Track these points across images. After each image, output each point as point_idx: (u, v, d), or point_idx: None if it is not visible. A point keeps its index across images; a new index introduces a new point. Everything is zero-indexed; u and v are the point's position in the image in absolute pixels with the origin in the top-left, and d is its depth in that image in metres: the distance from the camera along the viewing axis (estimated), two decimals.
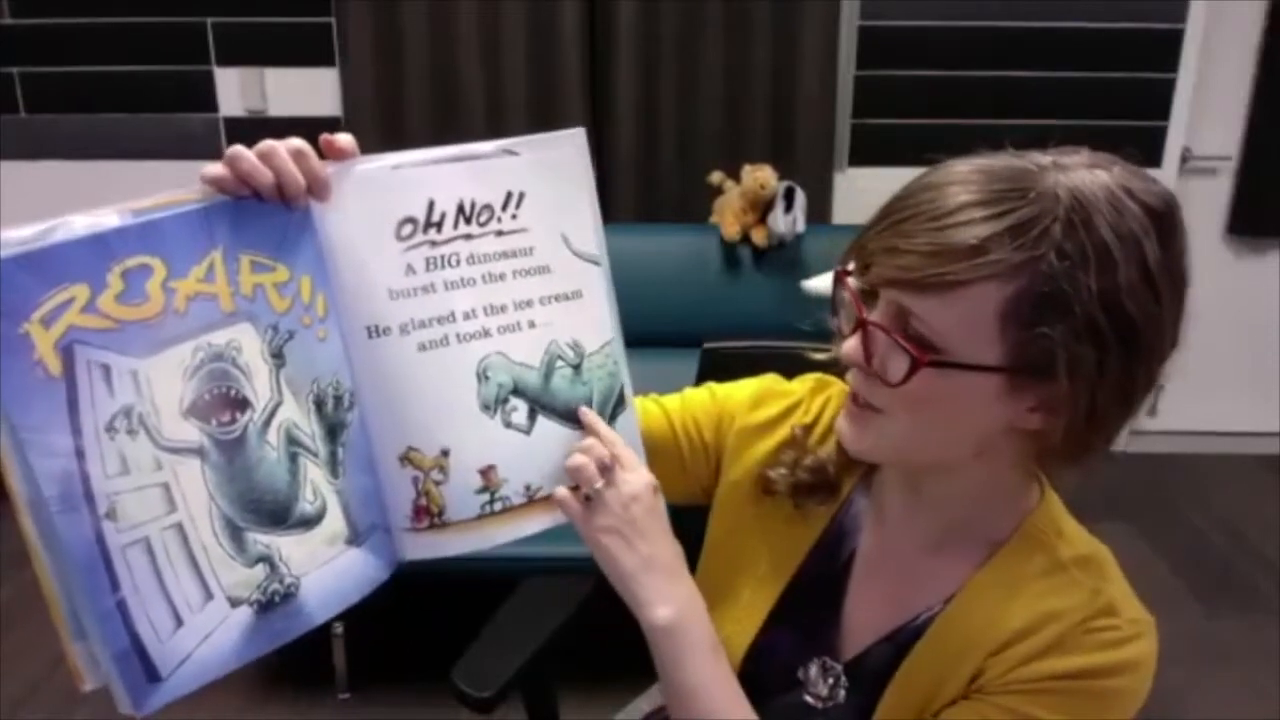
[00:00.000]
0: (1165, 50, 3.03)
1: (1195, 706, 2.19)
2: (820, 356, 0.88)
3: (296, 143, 0.71)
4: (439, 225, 0.76)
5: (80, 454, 0.60)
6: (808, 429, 0.93)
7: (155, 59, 3.05)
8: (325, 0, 2.97)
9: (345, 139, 0.74)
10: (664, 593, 0.78)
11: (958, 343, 0.70)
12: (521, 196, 0.78)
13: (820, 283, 2.29)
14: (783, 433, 0.93)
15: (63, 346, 0.59)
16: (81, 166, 3.11)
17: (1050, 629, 0.77)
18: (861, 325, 0.75)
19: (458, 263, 0.76)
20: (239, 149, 0.68)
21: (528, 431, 0.80)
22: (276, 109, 3.08)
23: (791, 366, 0.98)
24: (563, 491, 0.79)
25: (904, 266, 0.70)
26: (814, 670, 0.88)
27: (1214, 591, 2.63)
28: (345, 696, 2.20)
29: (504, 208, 0.78)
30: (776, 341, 1.18)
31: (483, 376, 0.78)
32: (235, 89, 3.07)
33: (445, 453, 0.77)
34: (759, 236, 2.75)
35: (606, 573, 0.79)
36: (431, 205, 0.76)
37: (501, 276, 0.78)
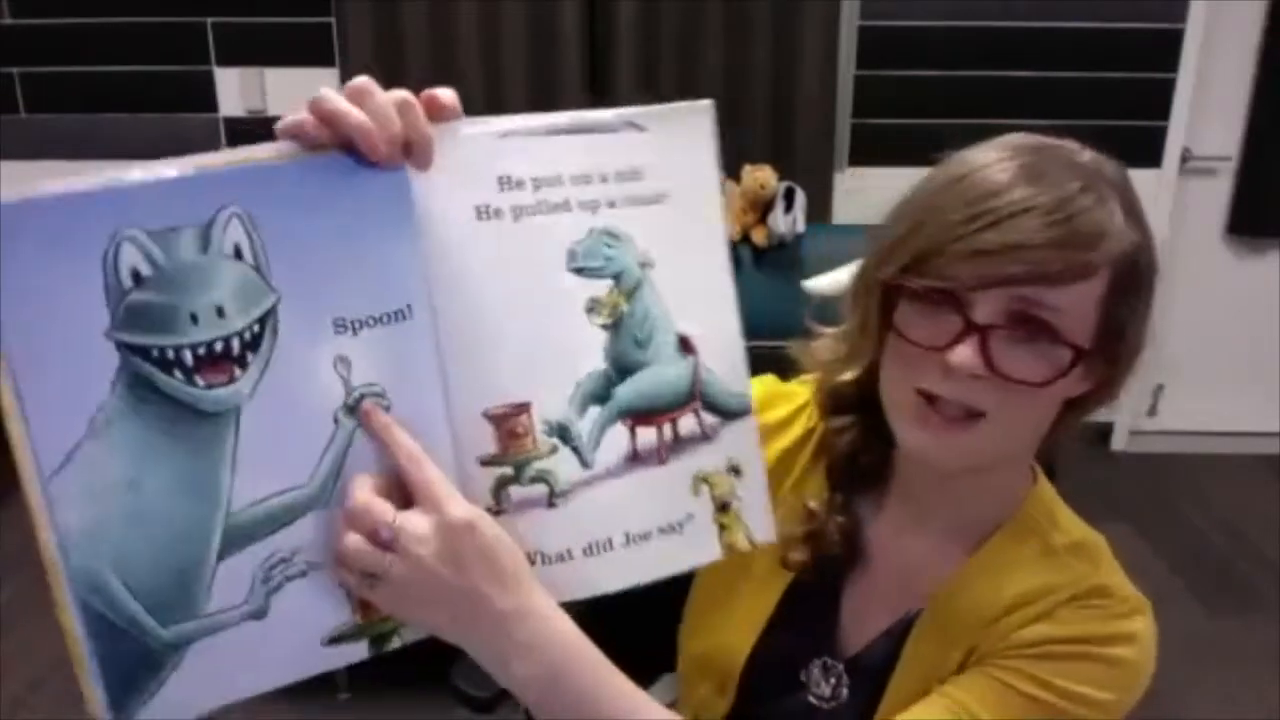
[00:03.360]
0: (1165, 50, 3.03)
1: (1195, 706, 2.19)
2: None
3: (401, 93, 0.58)
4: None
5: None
6: (813, 476, 0.89)
7: (155, 59, 3.05)
8: (325, 0, 2.97)
9: (449, 95, 0.61)
10: (518, 645, 0.62)
11: (1072, 326, 0.71)
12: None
13: (822, 283, 2.29)
14: (792, 434, 0.92)
15: None
16: (81, 167, 3.07)
17: (1043, 601, 0.78)
18: (976, 330, 0.70)
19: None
20: (325, 89, 0.57)
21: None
22: (276, 109, 3.07)
23: (792, 367, 0.98)
24: (345, 579, 0.61)
25: (1036, 260, 0.69)
26: (816, 671, 0.88)
27: (1214, 591, 2.63)
28: (345, 696, 2.20)
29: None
30: (775, 341, 1.18)
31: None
32: (235, 89, 3.07)
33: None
34: (759, 236, 2.75)
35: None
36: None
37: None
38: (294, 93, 3.04)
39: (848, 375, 0.84)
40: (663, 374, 0.69)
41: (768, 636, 0.89)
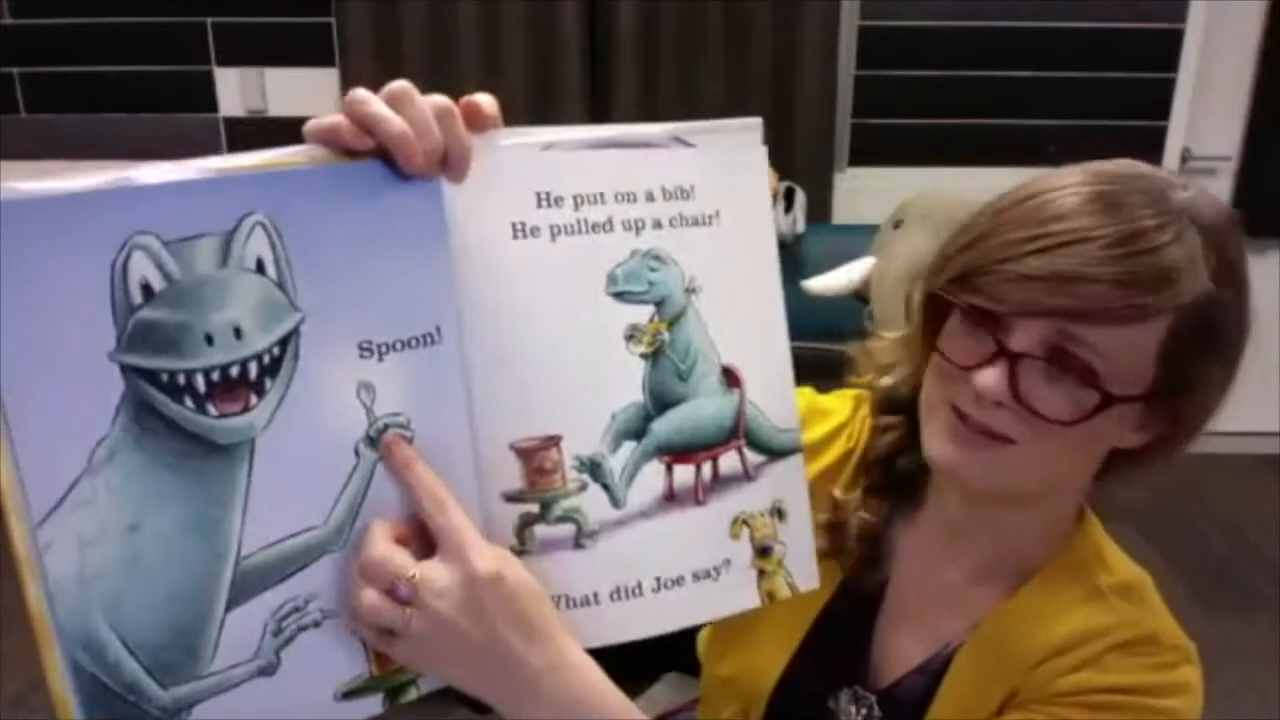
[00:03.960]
0: (1165, 50, 3.03)
1: None
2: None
3: (442, 99, 0.55)
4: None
5: None
6: (847, 483, 0.86)
7: (155, 59, 3.05)
8: (325, 0, 2.97)
9: (490, 104, 0.58)
10: (543, 700, 0.59)
11: (1117, 371, 0.67)
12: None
13: (822, 282, 2.29)
14: (831, 455, 0.88)
15: None
16: (81, 166, 3.06)
17: (1089, 646, 0.75)
18: (1008, 356, 0.67)
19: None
20: (362, 91, 0.53)
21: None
22: (276, 109, 3.08)
23: (801, 369, 0.97)
24: (365, 634, 0.58)
25: (1088, 295, 0.64)
26: (844, 699, 0.85)
27: (1214, 591, 2.63)
28: None
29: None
30: None
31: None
32: (235, 89, 3.07)
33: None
34: None
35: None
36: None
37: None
38: (294, 93, 3.05)
39: (898, 379, 0.83)
40: (704, 409, 0.65)
41: (797, 662, 0.86)
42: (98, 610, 0.49)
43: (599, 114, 2.97)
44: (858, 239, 2.43)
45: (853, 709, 0.85)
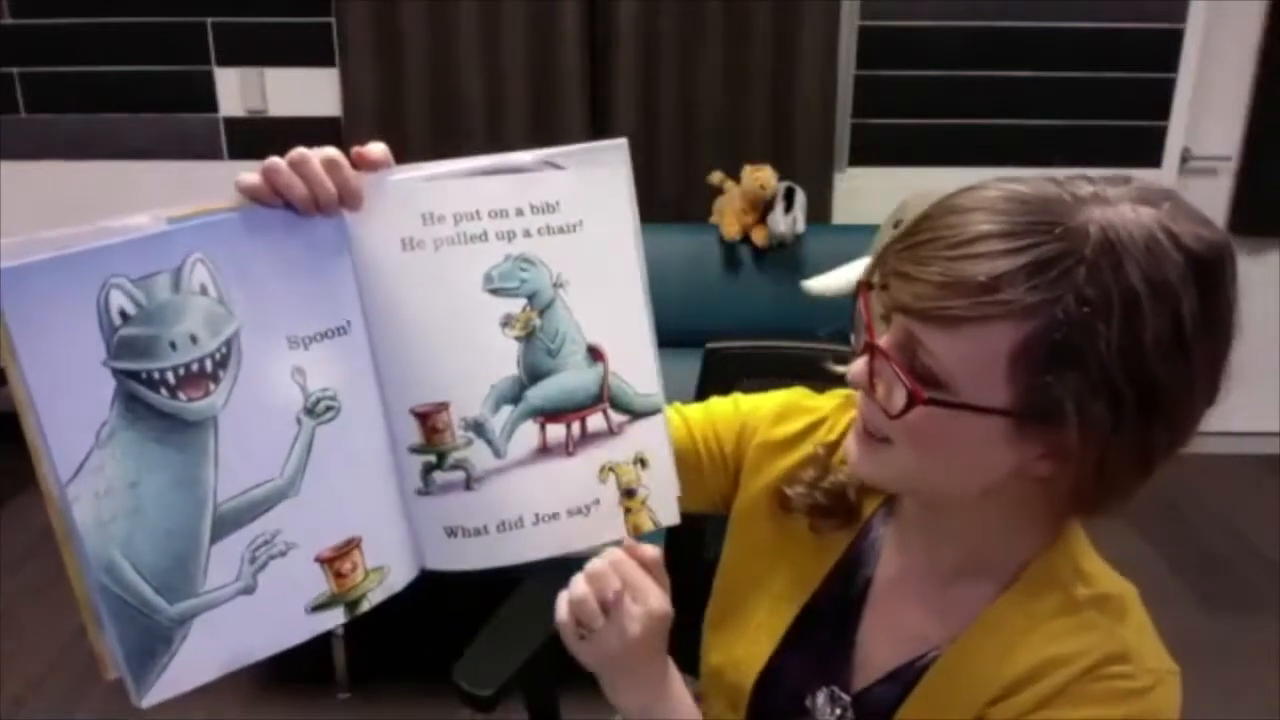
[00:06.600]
0: (1165, 50, 3.03)
1: (1195, 706, 2.18)
2: (840, 369, 0.84)
3: (330, 152, 0.70)
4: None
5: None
6: (831, 448, 0.89)
7: (155, 59, 3.05)
8: (325, 0, 2.97)
9: (378, 149, 0.73)
10: (637, 696, 0.80)
11: (964, 381, 0.67)
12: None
13: (822, 282, 2.29)
14: (804, 450, 0.90)
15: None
16: (81, 166, 3.11)
17: (1056, 676, 0.73)
18: (870, 349, 0.71)
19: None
20: (274, 160, 0.69)
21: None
22: (276, 109, 3.08)
23: (792, 366, 0.98)
24: (564, 617, 0.77)
25: (915, 294, 0.66)
26: (821, 699, 0.85)
27: (1214, 591, 2.63)
28: (345, 696, 2.20)
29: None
30: (776, 341, 1.19)
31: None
32: (235, 89, 3.07)
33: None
34: (759, 236, 2.75)
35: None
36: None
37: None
38: (294, 93, 3.05)
39: None
40: (571, 379, 0.79)
41: (778, 657, 0.87)
42: (115, 545, 0.65)
43: (599, 113, 2.97)
44: (858, 239, 2.43)
45: (829, 709, 0.85)
